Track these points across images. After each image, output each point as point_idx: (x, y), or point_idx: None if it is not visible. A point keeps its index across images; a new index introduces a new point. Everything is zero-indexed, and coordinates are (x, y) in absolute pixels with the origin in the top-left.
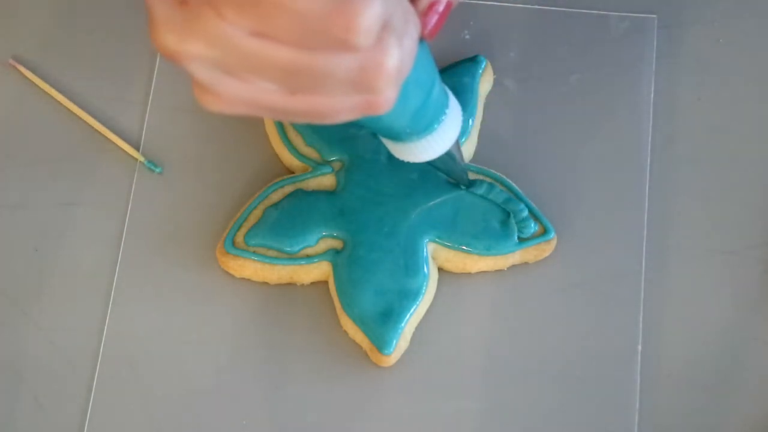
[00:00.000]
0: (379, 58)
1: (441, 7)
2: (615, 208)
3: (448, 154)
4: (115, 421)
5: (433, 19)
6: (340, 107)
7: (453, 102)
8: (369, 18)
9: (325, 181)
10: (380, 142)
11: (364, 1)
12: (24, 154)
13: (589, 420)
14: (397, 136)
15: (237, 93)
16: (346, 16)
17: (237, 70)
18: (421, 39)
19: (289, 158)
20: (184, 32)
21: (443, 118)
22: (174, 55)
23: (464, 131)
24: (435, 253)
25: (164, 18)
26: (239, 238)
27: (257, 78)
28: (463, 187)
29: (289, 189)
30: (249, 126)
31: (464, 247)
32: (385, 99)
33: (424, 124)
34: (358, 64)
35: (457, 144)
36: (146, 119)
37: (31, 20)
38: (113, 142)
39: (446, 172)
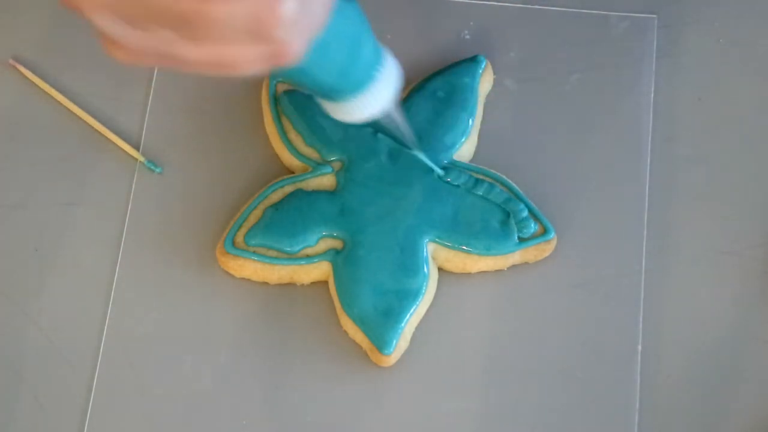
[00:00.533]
0: (272, 4)
1: None
2: (615, 208)
3: (388, 116)
4: (115, 421)
5: None
6: (244, 57)
7: (389, 61)
8: None
9: (325, 181)
10: (380, 142)
11: None
12: (24, 154)
13: (589, 420)
14: (328, 95)
15: (141, 43)
16: None
17: (137, 20)
18: None
19: (289, 158)
20: None
21: (376, 76)
22: (76, 5)
23: (464, 131)
24: (435, 253)
25: None
26: (239, 238)
27: (157, 26)
28: (412, 149)
29: (289, 189)
30: (249, 126)
31: (464, 247)
32: (290, 49)
33: (354, 82)
34: (252, 10)
35: (397, 105)
36: (146, 119)
37: (31, 20)
38: (113, 142)
39: (391, 136)
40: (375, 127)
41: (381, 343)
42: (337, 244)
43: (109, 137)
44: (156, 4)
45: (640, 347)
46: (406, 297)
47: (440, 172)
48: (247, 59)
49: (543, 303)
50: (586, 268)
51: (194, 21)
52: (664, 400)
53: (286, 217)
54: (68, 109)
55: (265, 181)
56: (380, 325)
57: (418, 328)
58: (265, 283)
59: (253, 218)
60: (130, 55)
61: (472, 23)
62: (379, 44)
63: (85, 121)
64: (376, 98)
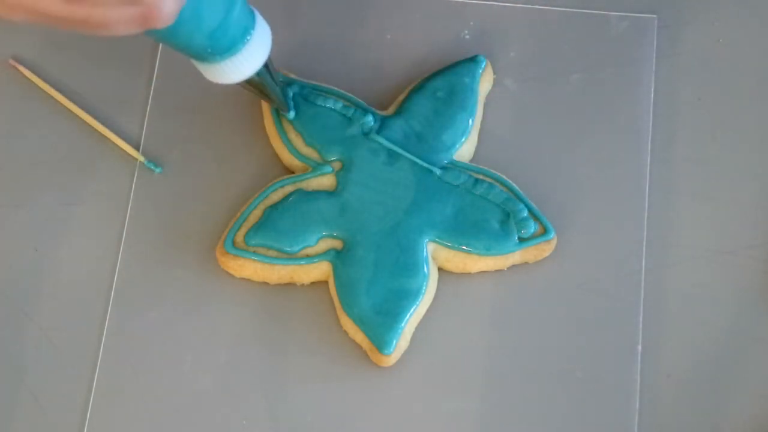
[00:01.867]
0: None
1: None
2: (615, 208)
3: (262, 79)
4: (115, 421)
5: None
6: (116, 17)
7: (260, 23)
8: None
9: (325, 181)
10: (380, 143)
11: None
12: (24, 154)
13: (589, 420)
14: (200, 56)
15: None
16: None
17: None
18: None
19: (289, 158)
20: None
21: (248, 38)
22: None
23: (464, 131)
24: (435, 253)
25: None
26: (239, 238)
27: None
28: (283, 113)
29: (289, 189)
30: (249, 126)
31: (464, 247)
32: (162, 11)
33: (225, 44)
34: None
35: (269, 67)
36: (146, 119)
37: None
38: (113, 142)
39: (263, 96)
40: (244, 85)
41: (381, 343)
42: (337, 244)
43: (109, 137)
44: None
45: (640, 347)
46: (406, 297)
47: (438, 172)
48: (118, 20)
49: (543, 303)
50: (586, 268)
51: None
52: (664, 400)
53: (286, 217)
54: (68, 109)
55: (265, 181)
56: (380, 325)
57: (418, 328)
58: (265, 283)
59: (253, 218)
60: (5, 8)
61: (472, 23)
62: (250, 6)
63: (85, 121)
64: (249, 60)
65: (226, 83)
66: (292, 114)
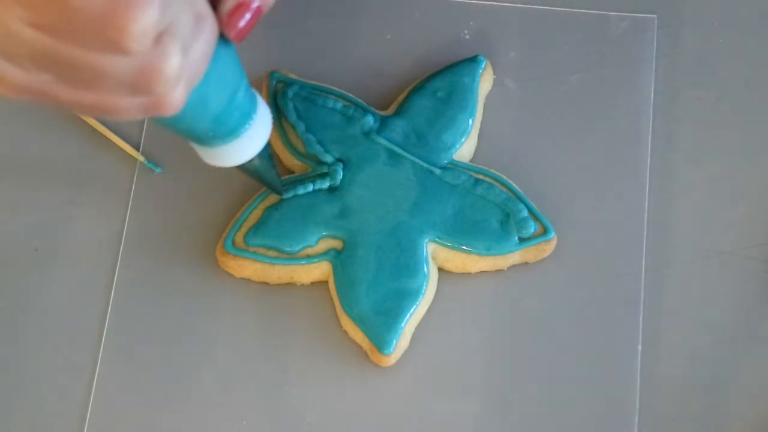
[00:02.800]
0: (157, 63)
1: (250, 12)
2: (615, 208)
3: (260, 162)
4: (115, 421)
5: (241, 22)
6: (124, 106)
7: (262, 108)
8: (142, 23)
9: (325, 181)
10: (380, 143)
11: (139, 6)
12: (24, 154)
13: (589, 420)
14: (200, 140)
15: (19, 81)
16: (120, 18)
17: (16, 59)
18: (227, 40)
19: (289, 158)
20: None
21: (250, 123)
22: None
23: (464, 131)
24: (435, 253)
25: None
26: (239, 238)
27: (36, 68)
28: (278, 194)
29: (288, 189)
30: None
31: (464, 247)
32: (171, 101)
33: (227, 128)
34: (135, 66)
35: (268, 151)
36: (146, 119)
37: None
38: (113, 142)
39: (259, 180)
40: (241, 168)
41: (381, 343)
42: (337, 244)
43: (109, 137)
44: (39, 48)
45: (640, 347)
46: (406, 297)
47: (438, 172)
48: (128, 108)
49: (543, 303)
50: (586, 268)
51: (77, 69)
52: (664, 400)
53: (286, 217)
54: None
55: None
56: (380, 325)
57: (418, 328)
58: (265, 283)
59: (253, 218)
60: (9, 89)
61: (472, 23)
62: (252, 89)
63: (85, 121)
64: (249, 145)
65: (225, 167)
66: (287, 196)
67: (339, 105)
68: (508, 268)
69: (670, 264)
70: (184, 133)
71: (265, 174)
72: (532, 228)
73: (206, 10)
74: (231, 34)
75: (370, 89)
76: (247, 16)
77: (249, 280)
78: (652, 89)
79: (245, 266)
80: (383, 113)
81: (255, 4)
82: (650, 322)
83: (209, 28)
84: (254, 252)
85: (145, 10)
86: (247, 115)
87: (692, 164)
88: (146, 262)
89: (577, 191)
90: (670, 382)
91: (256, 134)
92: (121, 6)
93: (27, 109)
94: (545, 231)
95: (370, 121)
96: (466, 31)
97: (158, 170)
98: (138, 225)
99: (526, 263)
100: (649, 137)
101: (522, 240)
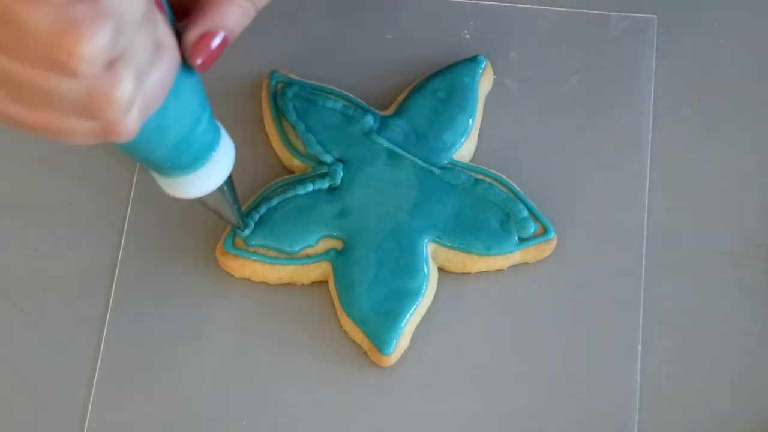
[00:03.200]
0: (107, 88)
1: (216, 42)
2: (615, 208)
3: (221, 197)
4: (115, 421)
5: (205, 52)
6: (74, 129)
7: (225, 140)
8: (91, 47)
9: (325, 181)
10: (380, 143)
11: (90, 29)
12: (24, 154)
13: (589, 420)
14: (158, 169)
15: None
16: (70, 40)
17: None
18: (190, 68)
19: (289, 158)
20: None
21: (212, 155)
22: None
23: (464, 131)
24: (435, 253)
25: None
26: (239, 238)
27: None
28: (238, 229)
29: (289, 189)
30: (249, 126)
31: (464, 247)
32: (124, 128)
33: (187, 159)
34: (85, 89)
35: (230, 184)
36: None
37: None
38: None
39: (218, 214)
40: (199, 200)
41: (381, 343)
42: (337, 244)
43: None
44: None
45: (640, 347)
46: (406, 297)
47: (438, 171)
48: (78, 131)
49: (543, 303)
50: (586, 268)
51: (24, 87)
52: (664, 400)
53: (286, 217)
54: None
55: (265, 181)
56: (380, 324)
57: (418, 328)
58: (265, 283)
59: None
60: None
61: (472, 23)
62: (216, 121)
63: None
64: (209, 178)
65: (183, 198)
66: (248, 232)
67: (339, 105)
68: (508, 268)
69: (670, 264)
70: (142, 161)
71: (224, 209)
72: (532, 228)
73: (168, 39)
74: (195, 64)
75: (370, 89)
76: (212, 45)
77: (249, 280)
78: (652, 89)
79: (245, 266)
80: (383, 113)
81: (220, 35)
82: (650, 322)
83: (169, 58)
84: (254, 252)
85: (95, 34)
86: (209, 147)
87: (692, 164)
88: (146, 262)
89: (577, 191)
90: (670, 382)
91: (217, 167)
92: (71, 28)
93: None
94: (545, 231)
95: (370, 121)
96: (466, 31)
97: None
98: (138, 225)
99: (526, 263)
100: (649, 137)
101: (522, 240)
